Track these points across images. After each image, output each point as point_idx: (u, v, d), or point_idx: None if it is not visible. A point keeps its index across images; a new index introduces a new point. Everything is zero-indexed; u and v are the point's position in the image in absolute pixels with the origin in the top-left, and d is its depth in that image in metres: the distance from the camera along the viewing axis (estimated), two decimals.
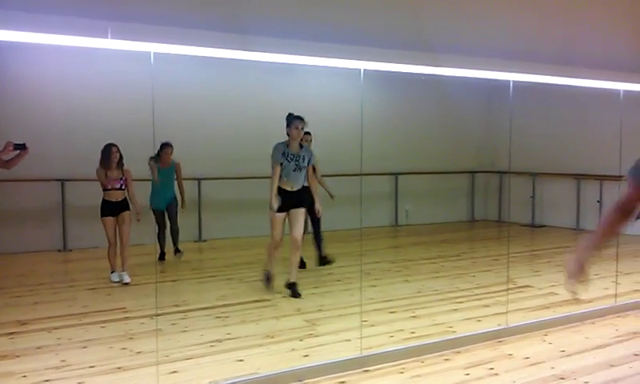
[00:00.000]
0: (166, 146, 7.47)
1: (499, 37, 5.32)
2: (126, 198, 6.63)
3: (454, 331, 4.78)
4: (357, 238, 9.69)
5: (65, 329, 4.91)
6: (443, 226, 11.40)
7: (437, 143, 11.78)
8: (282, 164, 5.75)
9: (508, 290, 6.10)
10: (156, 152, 7.45)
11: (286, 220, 5.92)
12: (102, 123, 8.55)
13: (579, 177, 10.66)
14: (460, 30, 5.10)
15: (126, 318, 5.22)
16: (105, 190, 6.53)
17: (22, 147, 5.18)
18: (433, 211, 11.81)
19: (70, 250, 8.56)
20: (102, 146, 6.55)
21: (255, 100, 9.88)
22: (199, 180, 9.34)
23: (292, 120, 5.77)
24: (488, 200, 12.62)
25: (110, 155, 6.48)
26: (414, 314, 5.28)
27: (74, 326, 5.01)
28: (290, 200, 5.83)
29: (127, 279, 6.52)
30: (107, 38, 3.13)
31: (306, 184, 5.97)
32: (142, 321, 5.13)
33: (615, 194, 10.00)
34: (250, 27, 3.55)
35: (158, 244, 7.66)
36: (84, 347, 4.46)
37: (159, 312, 5.36)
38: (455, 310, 5.46)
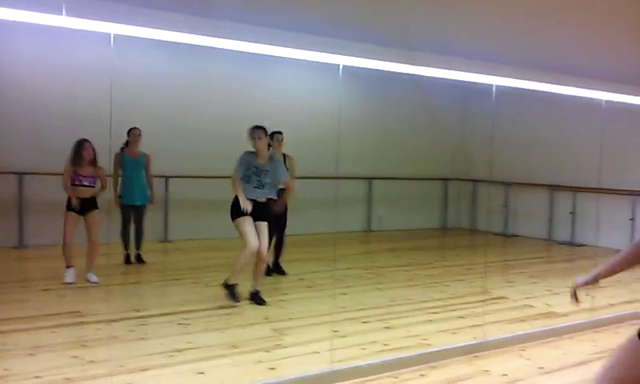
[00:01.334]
0: (133, 129, 7.14)
1: (482, 39, 5.14)
2: (94, 196, 6.23)
3: (429, 344, 4.56)
4: (328, 243, 9.46)
5: (12, 333, 4.53)
6: (415, 233, 11.25)
7: (411, 148, 11.64)
8: (245, 178, 5.42)
9: (485, 301, 5.95)
10: (124, 141, 7.12)
11: None
12: (63, 112, 8.16)
13: (553, 187, 10.63)
14: (443, 30, 4.90)
15: (81, 323, 4.86)
16: (72, 184, 6.13)
17: None
18: (405, 217, 11.67)
19: (27, 247, 8.10)
20: (74, 142, 6.14)
21: (226, 93, 9.57)
22: (166, 177, 8.97)
23: (250, 132, 5.49)
24: (460, 208, 12.53)
25: (81, 152, 6.10)
26: (387, 325, 5.05)
27: (23, 330, 4.63)
28: (255, 211, 5.48)
29: (95, 279, 6.15)
30: (61, 15, 2.81)
31: (271, 196, 5.63)
32: (97, 326, 4.79)
33: (590, 205, 10.03)
34: (221, 12, 3.27)
35: (122, 244, 7.26)
36: (31, 354, 4.10)
37: (117, 317, 5.02)
38: (430, 320, 5.25)
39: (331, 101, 10.47)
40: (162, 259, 8.09)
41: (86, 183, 6.15)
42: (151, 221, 8.30)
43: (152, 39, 3.37)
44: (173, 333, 4.69)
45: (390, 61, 3.96)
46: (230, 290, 5.50)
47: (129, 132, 7.15)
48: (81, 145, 6.11)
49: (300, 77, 10.35)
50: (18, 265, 7.41)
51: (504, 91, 5.56)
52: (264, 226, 5.56)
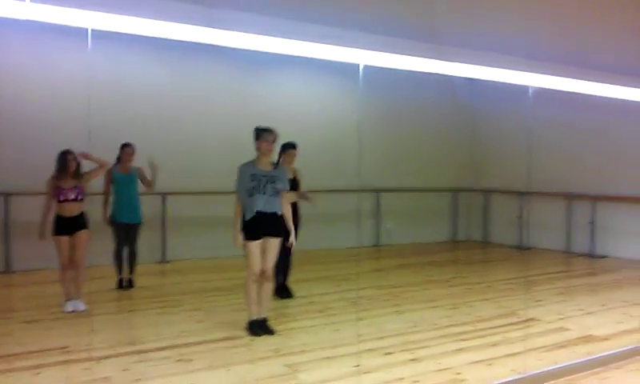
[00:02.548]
0: (126, 146, 6.63)
1: (515, 35, 4.63)
2: (82, 213, 5.73)
3: (464, 379, 4.01)
4: (333, 259, 8.91)
5: None
6: (426, 247, 10.71)
7: (418, 158, 11.12)
8: (250, 189, 4.88)
9: (516, 324, 5.41)
10: (116, 158, 6.63)
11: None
12: (47, 125, 7.62)
13: (570, 196, 10.09)
14: (470, 22, 4.39)
15: (67, 362, 4.29)
16: (58, 202, 5.64)
17: None
18: (414, 230, 11.12)
19: (14, 272, 7.54)
20: (57, 154, 5.70)
21: (228, 100, 9.07)
22: (163, 194, 8.43)
23: (261, 133, 4.96)
24: (471, 219, 11.99)
25: (65, 163, 5.64)
26: (413, 356, 4.48)
27: (2, 372, 4.07)
28: (265, 225, 4.95)
29: (82, 307, 5.70)
30: (24, 0, 2.30)
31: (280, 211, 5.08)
32: (85, 365, 4.22)
33: (611, 214, 9.50)
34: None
35: (115, 267, 6.72)
36: None
37: (109, 353, 4.46)
38: (460, 349, 4.68)
39: (337, 108, 9.99)
40: (160, 282, 7.53)
41: (71, 196, 5.64)
42: (148, 241, 7.76)
43: (138, 35, 2.83)
44: (172, 371, 4.12)
45: (418, 55, 3.44)
46: (252, 328, 5.02)
47: (122, 148, 6.63)
48: (63, 156, 5.65)
49: (306, 80, 9.88)
50: (3, 292, 6.83)
51: (517, 91, 5.05)
52: (276, 243, 5.02)
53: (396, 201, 10.80)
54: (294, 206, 6.26)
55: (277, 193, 4.98)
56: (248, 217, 4.90)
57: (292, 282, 6.53)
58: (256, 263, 4.94)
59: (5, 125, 7.48)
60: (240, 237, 4.91)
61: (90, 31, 2.55)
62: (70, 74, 7.48)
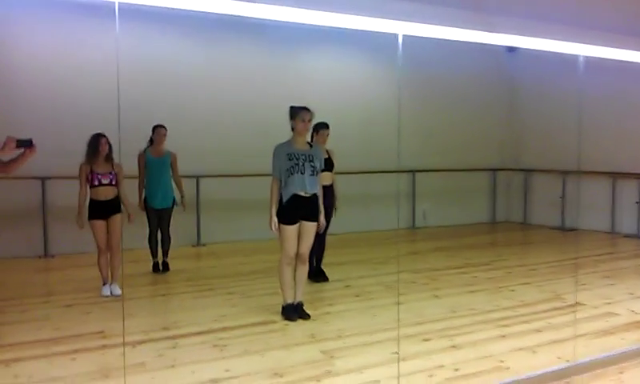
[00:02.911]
0: (158, 127, 6.60)
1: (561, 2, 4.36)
2: (116, 196, 5.73)
3: (508, 367, 3.84)
4: (368, 243, 8.78)
5: (27, 361, 4.00)
6: (464, 229, 10.45)
7: (455, 137, 10.79)
8: (289, 169, 4.76)
9: (561, 309, 5.18)
10: (148, 140, 6.61)
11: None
12: (82, 110, 7.63)
13: (616, 175, 9.66)
14: None
15: (103, 347, 4.29)
16: (92, 186, 5.64)
17: (27, 144, 4.18)
18: (451, 212, 10.85)
19: (53, 256, 7.64)
20: (89, 137, 5.68)
21: (262, 80, 8.93)
22: (198, 177, 8.41)
23: (297, 111, 4.82)
24: (511, 200, 11.64)
25: (98, 147, 5.60)
26: (453, 343, 4.33)
27: (39, 357, 4.09)
28: (303, 209, 4.83)
29: (118, 291, 5.72)
30: None
31: (316, 190, 4.94)
32: (122, 350, 4.20)
33: None
34: None
35: (150, 251, 6.74)
36: None
37: (144, 338, 4.44)
38: (502, 336, 4.50)
39: (371, 85, 9.78)
40: (195, 266, 7.53)
41: (105, 181, 5.63)
42: (183, 224, 7.77)
43: (168, 13, 2.72)
44: (207, 357, 4.07)
45: (458, 26, 3.24)
46: (287, 312, 4.93)
47: (154, 129, 6.60)
48: (96, 139, 5.62)
49: (339, 58, 9.69)
50: (41, 277, 6.93)
51: (560, 62, 4.73)
52: (313, 226, 4.91)
53: (432, 181, 10.55)
54: (331, 190, 6.14)
55: (315, 172, 4.85)
56: (285, 199, 4.79)
57: (327, 265, 6.43)
58: (291, 247, 4.83)
59: (38, 109, 7.55)
60: (275, 220, 4.81)
61: (117, 6, 2.44)
62: (101, 55, 7.47)
